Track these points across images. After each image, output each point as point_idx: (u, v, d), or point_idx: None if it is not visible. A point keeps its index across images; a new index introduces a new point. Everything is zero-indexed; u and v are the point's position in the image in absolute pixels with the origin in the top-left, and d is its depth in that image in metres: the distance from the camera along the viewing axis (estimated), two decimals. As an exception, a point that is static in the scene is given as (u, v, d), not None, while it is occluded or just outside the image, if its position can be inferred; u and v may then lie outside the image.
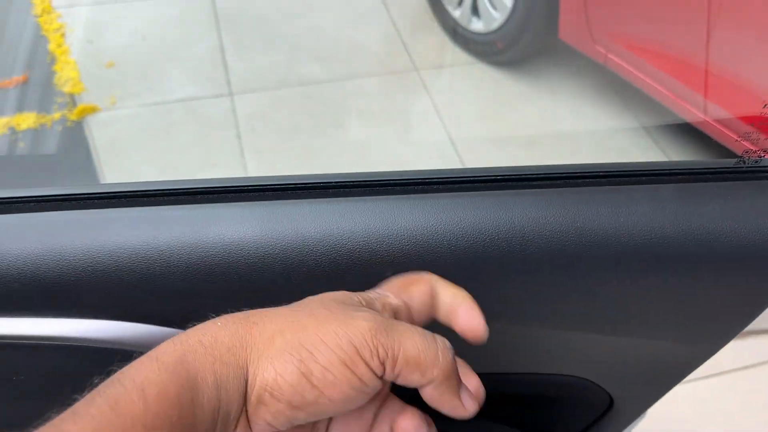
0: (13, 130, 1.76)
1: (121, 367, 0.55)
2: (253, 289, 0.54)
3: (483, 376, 0.66)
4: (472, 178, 0.56)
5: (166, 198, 0.56)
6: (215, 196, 0.56)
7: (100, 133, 1.83)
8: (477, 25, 2.26)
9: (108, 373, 0.56)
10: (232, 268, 0.53)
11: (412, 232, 0.54)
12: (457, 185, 0.56)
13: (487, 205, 0.55)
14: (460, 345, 0.62)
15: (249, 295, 0.54)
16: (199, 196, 0.56)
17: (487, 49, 2.31)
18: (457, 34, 2.40)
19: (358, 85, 2.26)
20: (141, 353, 0.56)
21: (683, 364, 0.65)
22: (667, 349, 0.63)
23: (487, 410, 0.74)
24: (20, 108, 1.86)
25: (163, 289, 0.54)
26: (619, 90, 2.16)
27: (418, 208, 0.55)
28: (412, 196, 0.56)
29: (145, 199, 0.55)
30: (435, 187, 0.56)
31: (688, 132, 2.06)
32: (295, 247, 0.53)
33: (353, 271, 0.54)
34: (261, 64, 2.15)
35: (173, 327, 0.56)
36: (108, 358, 0.58)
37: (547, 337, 0.61)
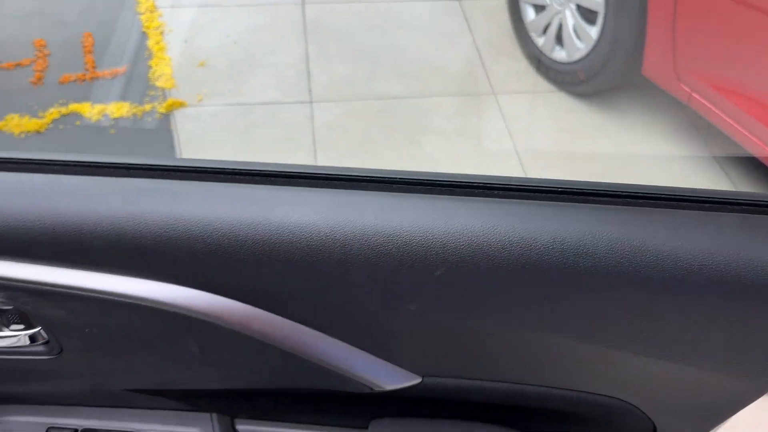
0: (107, 117, 1.88)
1: (181, 332, 0.59)
2: (310, 270, 0.57)
3: (519, 388, 0.66)
4: (532, 188, 0.57)
5: (240, 177, 0.59)
6: (286, 180, 0.59)
7: (184, 127, 1.93)
8: (560, 54, 2.26)
9: (169, 335, 0.60)
10: (294, 249, 0.56)
11: (469, 234, 0.55)
12: (517, 192, 0.57)
13: (546, 215, 0.56)
14: (493, 351, 0.63)
15: (306, 277, 0.57)
16: (271, 179, 0.59)
17: (568, 78, 2.30)
18: (539, 62, 2.40)
19: (434, 104, 2.28)
20: (202, 320, 0.59)
21: (735, 398, 0.63)
22: (719, 380, 0.61)
23: (521, 424, 0.74)
24: (116, 97, 1.98)
25: (228, 262, 0.57)
26: (701, 128, 2.10)
27: (476, 211, 0.57)
28: (471, 198, 0.58)
29: (221, 176, 0.59)
30: (495, 192, 0.57)
31: (772, 180, 1.99)
32: (355, 236, 0.56)
33: (406, 264, 0.55)
34: (342, 76, 2.22)
35: (233, 298, 0.59)
36: (169, 321, 0.62)
37: (593, 353, 0.61)
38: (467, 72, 2.45)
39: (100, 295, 0.60)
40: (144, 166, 0.61)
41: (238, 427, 0.82)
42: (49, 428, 0.80)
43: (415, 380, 0.68)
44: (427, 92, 2.36)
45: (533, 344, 0.62)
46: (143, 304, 0.60)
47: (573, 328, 0.59)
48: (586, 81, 2.26)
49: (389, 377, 0.67)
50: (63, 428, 0.80)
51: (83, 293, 0.60)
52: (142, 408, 0.82)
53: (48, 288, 0.60)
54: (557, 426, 0.74)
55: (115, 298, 0.60)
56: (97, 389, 0.76)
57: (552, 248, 0.55)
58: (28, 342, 0.68)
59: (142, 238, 0.57)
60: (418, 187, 0.59)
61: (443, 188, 0.59)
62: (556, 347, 0.62)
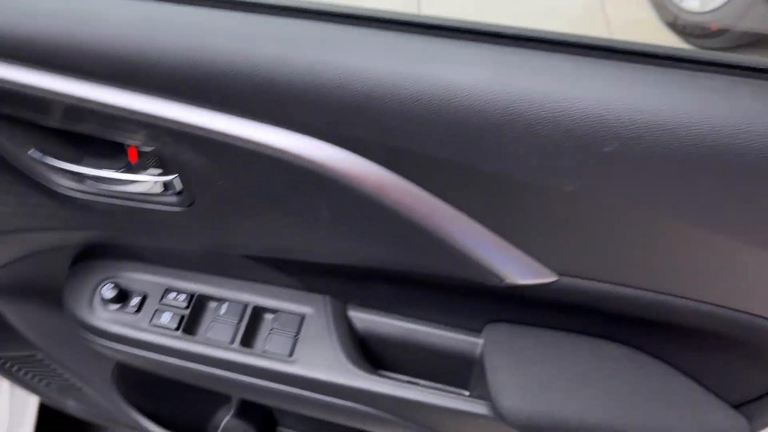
0: None
1: (315, 193, 0.55)
2: (464, 136, 0.53)
3: (663, 299, 0.60)
4: (729, 63, 0.51)
5: (395, 26, 0.55)
6: (447, 32, 0.55)
7: None
8: (692, 3, 2.09)
9: (302, 195, 0.56)
10: (451, 110, 0.52)
11: (649, 107, 0.50)
12: (710, 66, 0.51)
13: (741, 94, 0.50)
14: (647, 253, 0.57)
15: (458, 144, 0.53)
16: (432, 30, 0.55)
17: (697, 30, 2.13)
18: (665, 9, 2.23)
19: (550, 26, 2.17)
20: (339, 182, 0.56)
21: None
22: None
23: (653, 343, 0.69)
24: None
25: (376, 119, 0.54)
26: None
27: (661, 82, 0.51)
28: (656, 68, 0.52)
29: (374, 22, 0.55)
30: (683, 63, 0.51)
31: None
32: (520, 100, 0.51)
33: (572, 135, 0.51)
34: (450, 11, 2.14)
35: (375, 161, 0.56)
36: (305, 179, 0.60)
37: (757, 264, 0.54)
38: (585, 16, 2.31)
39: (241, 144, 0.58)
40: (292, 8, 0.58)
41: (350, 313, 0.80)
42: (166, 289, 0.81)
43: (551, 277, 0.63)
44: (548, 12, 2.25)
45: (697, 249, 0.56)
46: (283, 157, 0.58)
47: (753, 234, 0.53)
48: (717, 34, 2.09)
49: (523, 270, 0.63)
50: (179, 291, 0.81)
51: (225, 139, 0.58)
52: (255, 281, 0.82)
53: (191, 130, 0.58)
54: (697, 347, 0.69)
55: (256, 148, 0.58)
56: (219, 251, 0.76)
57: (749, 132, 0.48)
58: (161, 190, 0.67)
59: (291, 85, 0.54)
60: (594, 51, 0.54)
61: (624, 55, 0.53)
62: (721, 255, 0.56)
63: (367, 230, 0.64)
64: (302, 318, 0.78)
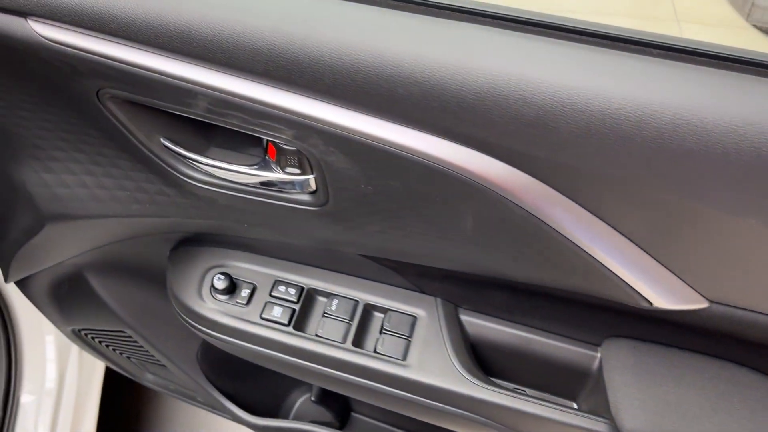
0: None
1: (460, 202, 0.52)
2: (610, 149, 0.50)
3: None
4: None
5: (538, 29, 0.52)
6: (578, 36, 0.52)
7: None
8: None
9: (445, 203, 0.53)
10: (644, 130, 0.49)
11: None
12: None
13: None
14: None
15: (607, 156, 0.50)
16: (564, 33, 0.52)
17: (777, 18, 2.05)
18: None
19: (610, 23, 2.10)
20: (491, 192, 0.54)
21: None
22: None
23: None
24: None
25: (551, 135, 0.51)
26: None
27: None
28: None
29: (515, 24, 0.52)
30: None
31: None
32: (724, 127, 0.47)
33: (714, 152, 0.47)
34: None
35: (528, 173, 0.53)
36: (452, 188, 0.57)
37: None
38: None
39: (397, 150, 0.56)
40: (475, 12, 0.54)
41: (462, 317, 0.78)
42: (275, 281, 0.79)
43: (702, 304, 0.60)
44: (605, 11, 2.18)
45: None
46: (440, 167, 0.55)
47: None
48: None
49: (674, 295, 0.60)
50: (290, 283, 0.79)
51: (382, 145, 0.56)
52: (364, 277, 0.80)
53: (347, 134, 0.56)
54: None
55: (412, 156, 0.55)
56: (339, 249, 0.74)
57: None
58: (295, 188, 0.65)
59: (464, 95, 0.51)
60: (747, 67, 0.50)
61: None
62: None
63: (512, 244, 0.61)
64: (414, 320, 0.76)
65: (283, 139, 0.59)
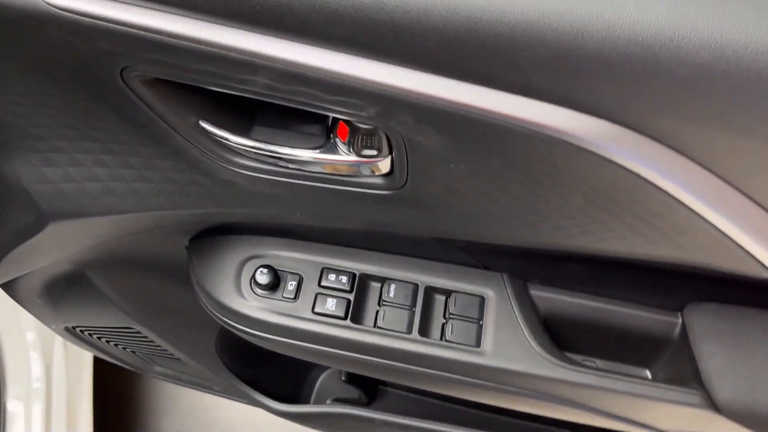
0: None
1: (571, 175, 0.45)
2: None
3: None
4: None
5: None
6: None
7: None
8: None
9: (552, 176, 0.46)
10: None
11: None
12: None
13: None
14: None
15: None
16: None
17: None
18: None
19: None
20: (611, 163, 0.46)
21: None
22: None
23: None
24: None
25: (701, 100, 0.43)
26: None
27: None
28: None
29: None
30: None
31: None
32: None
33: None
34: None
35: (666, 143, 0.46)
36: (566, 160, 0.49)
37: None
38: None
39: (499, 120, 0.47)
40: None
41: (532, 292, 0.71)
42: (324, 268, 0.70)
43: None
44: None
45: None
46: (555, 137, 0.47)
47: None
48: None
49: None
50: (339, 270, 0.70)
51: (481, 116, 0.47)
52: (420, 257, 0.72)
53: (443, 105, 0.46)
54: None
55: (522, 127, 0.47)
56: (405, 233, 0.65)
57: None
58: (367, 172, 0.55)
59: (600, 56, 0.42)
60: None
61: None
62: None
63: (621, 218, 0.54)
64: (482, 301, 0.69)
65: (362, 117, 0.49)
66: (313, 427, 1.03)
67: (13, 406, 1.14)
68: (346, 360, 0.69)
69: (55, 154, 0.60)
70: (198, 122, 0.54)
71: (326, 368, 1.10)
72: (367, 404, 1.07)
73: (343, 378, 1.05)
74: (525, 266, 0.70)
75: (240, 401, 1.05)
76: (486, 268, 0.71)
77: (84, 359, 1.31)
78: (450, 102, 0.46)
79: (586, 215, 0.55)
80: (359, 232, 0.69)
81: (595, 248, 0.59)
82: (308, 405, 0.98)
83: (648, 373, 0.76)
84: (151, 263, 0.81)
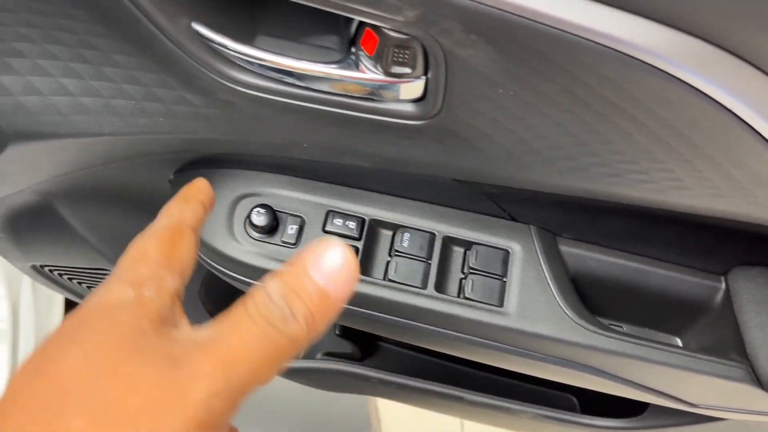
0: None
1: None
2: None
3: None
4: None
5: None
6: None
7: None
8: None
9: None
10: None
11: None
12: None
13: None
14: None
15: None
16: None
17: None
18: None
19: None
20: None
21: None
22: None
23: None
24: None
25: None
26: None
27: None
28: None
29: None
30: None
31: None
32: None
33: None
34: None
35: None
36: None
37: None
38: None
39: (570, 33, 0.38)
40: None
41: (561, 248, 0.63)
42: (329, 211, 0.61)
43: None
44: None
45: None
46: (627, 53, 0.38)
47: None
48: None
49: None
50: (347, 214, 0.61)
51: (542, 24, 0.37)
52: (436, 203, 0.63)
53: (503, 11, 0.37)
54: None
55: (599, 43, 0.38)
56: (427, 173, 0.56)
57: None
58: (394, 95, 0.46)
59: None
60: None
61: None
62: None
63: (699, 165, 0.46)
64: (507, 255, 0.61)
65: (398, 22, 0.40)
66: (303, 383, 0.96)
67: (-27, 349, 1.05)
68: (352, 315, 0.61)
69: (15, 58, 0.50)
70: (191, 24, 0.44)
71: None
72: (360, 360, 1.00)
73: (337, 332, 0.97)
74: (558, 218, 0.62)
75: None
76: (512, 218, 0.63)
77: (54, 300, 1.22)
78: (513, 5, 0.37)
79: (653, 160, 0.46)
80: (368, 172, 0.60)
81: (651, 200, 0.51)
82: (298, 360, 0.90)
83: (678, 341, 0.69)
84: (128, 197, 0.72)
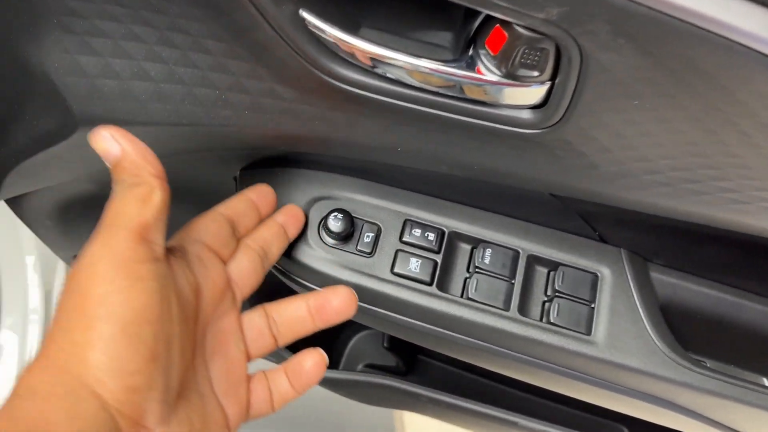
0: None
1: None
2: None
3: None
4: None
5: None
6: None
7: None
8: None
9: None
10: None
11: None
12: None
13: None
14: None
15: None
16: None
17: None
18: None
19: None
20: None
21: None
22: None
23: None
24: None
25: None
26: None
27: None
28: None
29: None
30: None
31: None
32: None
33: None
34: None
35: None
36: None
37: None
38: None
39: (727, 37, 0.34)
40: None
41: (653, 274, 0.59)
42: (407, 220, 0.57)
43: None
44: None
45: None
46: None
47: None
48: None
49: None
50: (426, 225, 0.58)
51: (707, 30, 0.33)
52: (523, 220, 0.59)
53: (664, 11, 0.33)
54: None
55: (750, 48, 0.34)
56: (527, 188, 0.52)
57: None
58: (511, 101, 0.42)
59: None
60: None
61: None
62: None
63: None
64: (595, 279, 0.57)
65: (537, 19, 0.36)
66: (343, 395, 0.92)
67: (6, 337, 1.02)
68: (429, 335, 0.57)
69: (97, 38, 0.46)
70: (298, 10, 0.40)
71: (360, 329, 0.99)
72: (404, 374, 0.96)
73: (385, 345, 0.93)
74: (651, 242, 0.58)
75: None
76: (602, 240, 0.59)
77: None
78: (675, 6, 0.33)
79: None
80: (448, 180, 0.56)
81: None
82: (344, 372, 0.86)
83: (766, 381, 0.65)
84: (187, 191, 0.68)
